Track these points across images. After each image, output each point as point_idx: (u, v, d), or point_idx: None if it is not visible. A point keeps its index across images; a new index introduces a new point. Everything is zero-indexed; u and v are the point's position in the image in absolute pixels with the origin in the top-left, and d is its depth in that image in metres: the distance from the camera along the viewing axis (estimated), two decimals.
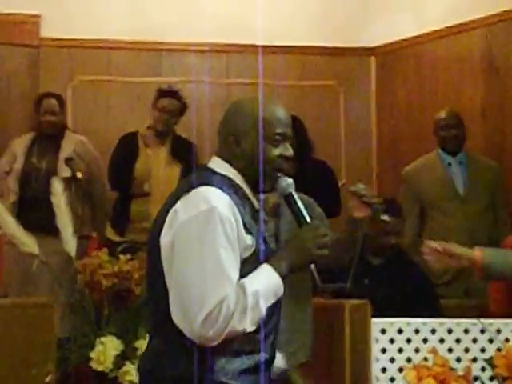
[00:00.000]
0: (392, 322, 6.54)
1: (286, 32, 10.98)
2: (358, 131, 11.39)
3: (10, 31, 10.70)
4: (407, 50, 11.07)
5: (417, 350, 6.52)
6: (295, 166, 8.67)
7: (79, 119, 10.58)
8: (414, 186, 9.11)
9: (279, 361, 4.43)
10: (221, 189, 4.06)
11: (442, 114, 9.17)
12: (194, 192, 4.07)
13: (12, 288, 8.56)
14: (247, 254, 4.06)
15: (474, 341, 6.63)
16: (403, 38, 11.07)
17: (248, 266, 4.04)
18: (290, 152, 4.22)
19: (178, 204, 4.08)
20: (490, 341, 6.65)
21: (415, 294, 7.42)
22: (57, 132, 9.18)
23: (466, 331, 6.63)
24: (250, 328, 3.95)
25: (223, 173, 4.20)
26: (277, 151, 4.19)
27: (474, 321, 6.80)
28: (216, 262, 3.94)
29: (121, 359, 6.08)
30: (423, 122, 10.59)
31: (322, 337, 6.77)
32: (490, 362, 6.56)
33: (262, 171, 4.14)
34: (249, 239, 4.06)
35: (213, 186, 4.06)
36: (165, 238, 4.08)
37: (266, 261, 4.10)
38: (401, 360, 6.49)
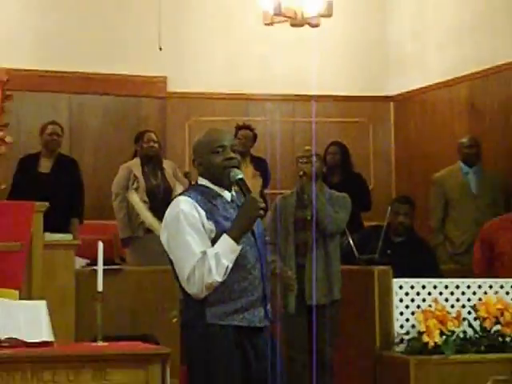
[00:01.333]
0: (407, 281, 6.55)
1: (333, 85, 10.90)
2: (381, 154, 11.31)
3: (146, 88, 10.72)
4: (415, 97, 10.96)
5: (424, 300, 6.53)
6: (341, 176, 8.88)
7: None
8: (442, 187, 8.93)
9: None
10: (189, 195, 4.24)
11: (465, 139, 9.03)
12: (173, 201, 4.31)
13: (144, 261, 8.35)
14: (213, 235, 4.14)
15: (463, 293, 6.62)
16: (412, 88, 10.98)
17: None
18: (229, 155, 4.26)
19: (166, 211, 4.30)
20: (474, 293, 6.63)
21: (422, 261, 7.36)
22: (157, 156, 8.79)
23: (457, 287, 6.63)
24: (219, 278, 4.06)
25: (202, 183, 4.31)
26: (220, 157, 4.24)
27: (464, 280, 6.80)
28: (185, 245, 4.12)
29: None
30: (428, 148, 10.55)
31: (359, 292, 6.78)
32: (474, 307, 6.56)
33: (218, 173, 4.27)
34: (210, 225, 4.15)
35: (184, 195, 4.28)
36: (162, 236, 4.29)
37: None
38: (413, 307, 6.50)
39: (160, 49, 9.92)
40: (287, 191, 7.10)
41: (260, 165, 9.26)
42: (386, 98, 11.38)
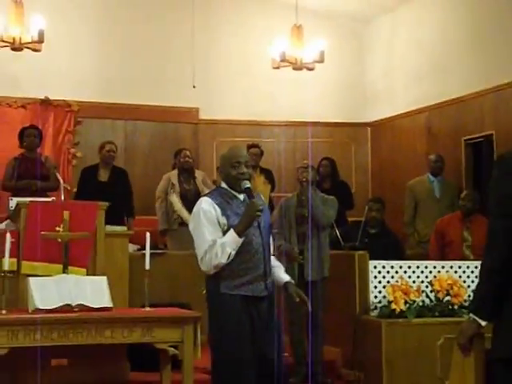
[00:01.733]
0: (379, 262, 6.51)
1: (324, 114, 10.93)
2: (361, 167, 11.28)
3: (183, 116, 10.72)
4: (386, 124, 10.95)
5: (392, 277, 6.47)
6: (330, 183, 8.86)
7: (219, 161, 10.57)
8: (413, 192, 8.89)
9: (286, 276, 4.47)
10: (210, 196, 4.32)
11: (433, 155, 9.01)
12: (198, 200, 4.36)
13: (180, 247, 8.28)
14: (225, 227, 4.20)
15: (422, 272, 6.56)
16: (384, 117, 10.99)
17: None
18: (242, 170, 4.29)
19: (194, 207, 4.33)
20: (430, 272, 6.59)
21: (391, 247, 7.33)
22: (191, 167, 8.65)
23: (418, 267, 6.57)
24: (223, 260, 4.12)
25: (223, 186, 4.35)
26: (235, 171, 4.29)
27: (422, 262, 6.78)
28: (201, 234, 4.19)
29: None
30: (396, 162, 10.57)
31: (344, 271, 6.74)
32: (430, 283, 6.53)
33: (233, 182, 4.32)
34: (223, 219, 4.21)
35: (207, 196, 4.36)
36: (190, 226, 4.35)
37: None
38: (384, 282, 6.46)
39: (194, 87, 9.95)
40: (289, 194, 7.10)
41: (268, 174, 9.27)
42: (364, 124, 11.34)
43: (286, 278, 4.45)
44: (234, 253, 4.15)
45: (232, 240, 4.15)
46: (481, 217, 7.56)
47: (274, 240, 6.50)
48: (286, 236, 6.54)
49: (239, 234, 4.16)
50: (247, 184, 4.28)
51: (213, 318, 4.27)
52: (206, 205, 4.24)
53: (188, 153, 8.72)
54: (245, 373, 4.16)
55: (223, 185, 4.38)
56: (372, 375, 6.26)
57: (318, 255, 6.50)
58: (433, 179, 8.90)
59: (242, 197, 4.34)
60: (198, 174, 8.77)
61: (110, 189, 8.20)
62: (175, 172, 8.63)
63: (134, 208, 8.61)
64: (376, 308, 6.39)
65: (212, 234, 4.17)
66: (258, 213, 4.19)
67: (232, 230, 4.17)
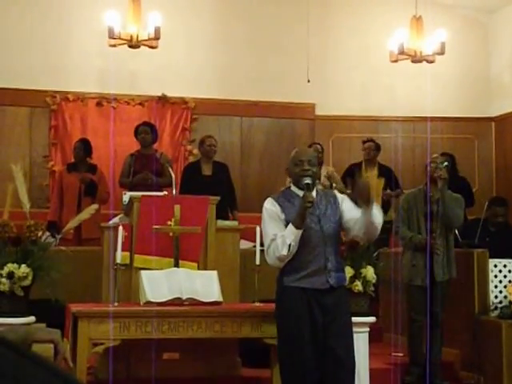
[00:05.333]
0: (500, 261, 6.41)
1: (445, 109, 10.71)
2: (484, 162, 11.03)
3: (299, 112, 10.71)
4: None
5: None
6: (449, 180, 8.65)
7: (335, 156, 10.55)
8: None
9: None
10: (273, 197, 4.65)
11: None
12: None
13: None
14: (285, 222, 4.46)
15: None
16: (510, 111, 10.69)
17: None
18: (304, 167, 4.52)
19: None
20: None
21: None
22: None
23: None
24: (285, 252, 4.38)
25: (290, 187, 4.69)
26: (298, 168, 4.55)
27: None
28: (265, 230, 4.55)
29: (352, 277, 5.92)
30: None
31: (462, 269, 6.62)
32: None
33: (296, 179, 4.60)
34: (283, 215, 4.48)
35: (271, 196, 4.70)
36: None
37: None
38: (505, 281, 6.35)
39: (308, 81, 9.96)
40: (405, 191, 6.96)
41: (384, 171, 9.17)
42: (488, 119, 11.08)
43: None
44: (294, 244, 4.39)
45: (290, 231, 4.39)
46: None
47: (396, 233, 6.49)
48: (415, 230, 6.40)
49: (296, 226, 4.39)
50: (306, 180, 4.47)
51: (276, 309, 4.62)
52: (268, 204, 4.59)
53: (318, 147, 8.78)
54: (302, 357, 4.40)
55: (292, 186, 4.67)
56: (492, 378, 6.13)
57: (447, 255, 6.37)
58: None
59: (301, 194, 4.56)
60: (324, 169, 8.77)
61: (214, 183, 8.24)
62: None
63: (236, 201, 8.65)
64: (496, 308, 6.26)
65: (274, 229, 4.48)
66: (308, 204, 4.36)
67: (290, 223, 4.42)
